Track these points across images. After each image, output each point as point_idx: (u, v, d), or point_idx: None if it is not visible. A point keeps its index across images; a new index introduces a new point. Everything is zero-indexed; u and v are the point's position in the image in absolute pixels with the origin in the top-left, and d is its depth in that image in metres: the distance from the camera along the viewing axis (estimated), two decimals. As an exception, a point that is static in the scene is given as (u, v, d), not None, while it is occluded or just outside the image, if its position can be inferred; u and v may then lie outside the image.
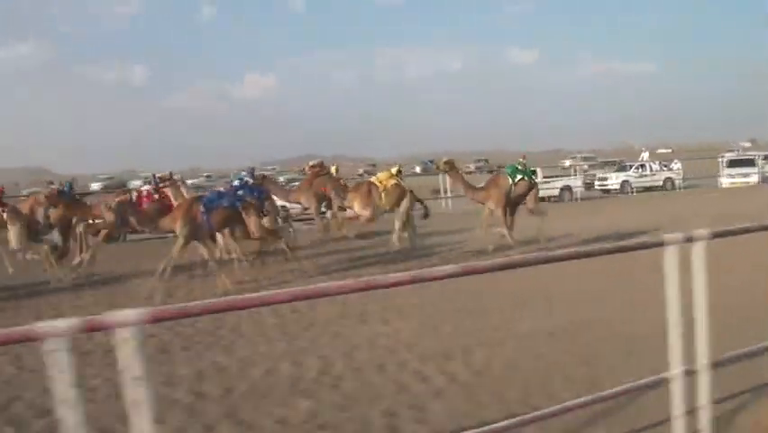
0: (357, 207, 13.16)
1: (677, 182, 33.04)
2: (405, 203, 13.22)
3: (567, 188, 29.81)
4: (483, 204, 13.57)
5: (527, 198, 13.56)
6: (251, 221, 10.85)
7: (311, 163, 16.66)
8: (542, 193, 20.11)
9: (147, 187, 14.42)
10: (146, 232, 11.69)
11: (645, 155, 38.25)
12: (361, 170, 47.88)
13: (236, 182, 12.80)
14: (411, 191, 13.55)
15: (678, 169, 33.96)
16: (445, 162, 14.20)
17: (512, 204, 13.42)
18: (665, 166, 34.22)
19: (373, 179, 13.94)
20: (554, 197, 28.91)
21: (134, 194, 13.42)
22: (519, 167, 13.78)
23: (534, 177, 14.35)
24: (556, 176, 31.72)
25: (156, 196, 12.88)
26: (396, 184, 13.34)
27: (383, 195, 13.14)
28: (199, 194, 12.92)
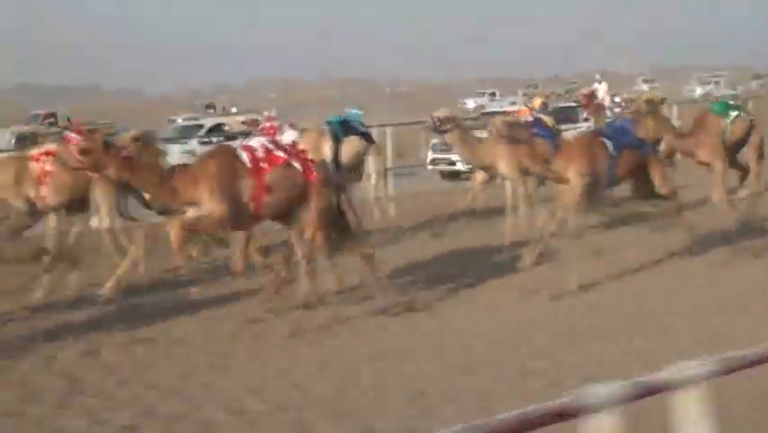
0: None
1: None
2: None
3: None
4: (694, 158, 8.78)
5: (750, 145, 8.86)
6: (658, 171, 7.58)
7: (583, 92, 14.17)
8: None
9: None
10: None
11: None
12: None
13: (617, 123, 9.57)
14: None
15: None
16: (646, 101, 9.72)
17: (730, 152, 8.73)
18: None
19: None
20: None
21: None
22: (731, 102, 10.10)
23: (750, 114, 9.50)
24: None
25: None
26: None
27: None
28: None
